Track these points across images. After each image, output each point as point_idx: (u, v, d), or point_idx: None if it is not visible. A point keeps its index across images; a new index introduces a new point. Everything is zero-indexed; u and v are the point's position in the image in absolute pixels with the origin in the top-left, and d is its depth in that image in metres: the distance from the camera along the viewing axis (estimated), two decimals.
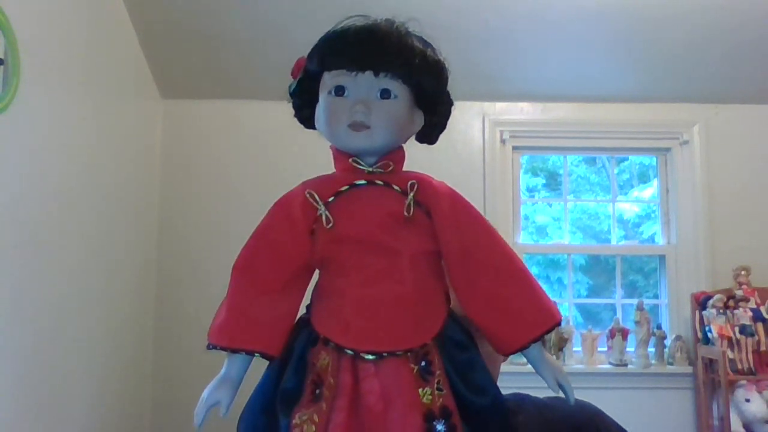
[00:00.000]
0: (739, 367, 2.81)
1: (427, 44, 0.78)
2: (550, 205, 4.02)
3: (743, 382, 2.80)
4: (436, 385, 0.69)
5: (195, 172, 3.15)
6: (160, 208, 3.11)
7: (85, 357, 2.41)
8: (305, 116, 0.81)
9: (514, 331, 0.74)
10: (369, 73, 0.74)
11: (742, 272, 2.97)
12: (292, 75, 0.80)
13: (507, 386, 1.03)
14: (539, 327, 0.74)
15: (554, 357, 2.88)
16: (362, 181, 0.76)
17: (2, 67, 1.84)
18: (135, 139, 2.90)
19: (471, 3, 2.68)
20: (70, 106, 2.29)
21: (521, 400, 1.00)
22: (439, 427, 0.68)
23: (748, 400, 2.77)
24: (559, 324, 0.76)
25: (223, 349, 0.74)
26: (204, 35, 2.82)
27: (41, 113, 2.09)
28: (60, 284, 2.22)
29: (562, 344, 2.99)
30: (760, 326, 2.86)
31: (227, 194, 3.08)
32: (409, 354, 0.71)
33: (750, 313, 2.88)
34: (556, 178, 3.91)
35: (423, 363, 0.71)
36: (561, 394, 0.75)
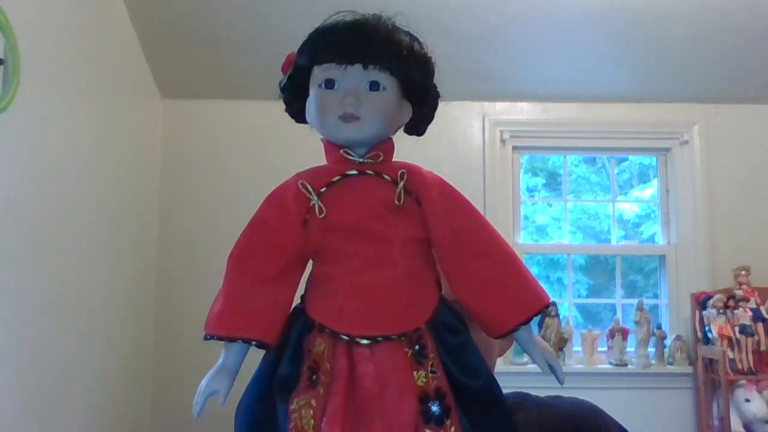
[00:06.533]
0: (739, 367, 2.81)
1: (413, 38, 0.80)
2: (550, 205, 4.02)
3: (743, 382, 2.80)
4: (429, 368, 0.71)
5: (195, 172, 3.15)
6: (160, 208, 3.12)
7: (85, 357, 2.41)
8: (296, 110, 0.83)
9: (504, 314, 0.76)
10: (358, 66, 0.76)
11: (742, 272, 2.97)
12: (282, 70, 0.82)
13: (507, 386, 1.03)
14: (528, 310, 0.76)
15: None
16: (353, 172, 0.78)
17: (2, 67, 1.84)
18: (135, 139, 2.90)
19: (471, 2, 2.68)
20: (69, 105, 2.29)
21: (522, 398, 1.01)
22: (434, 408, 0.69)
23: (748, 400, 2.77)
24: (547, 307, 0.77)
25: (220, 338, 0.75)
26: (204, 35, 2.83)
27: (41, 113, 2.09)
28: (60, 284, 2.22)
29: (562, 344, 2.99)
30: (760, 326, 2.87)
31: (227, 194, 3.08)
32: (402, 338, 0.72)
33: (750, 313, 2.88)
34: (556, 178, 3.91)
35: (417, 347, 0.72)
36: (551, 375, 0.77)
